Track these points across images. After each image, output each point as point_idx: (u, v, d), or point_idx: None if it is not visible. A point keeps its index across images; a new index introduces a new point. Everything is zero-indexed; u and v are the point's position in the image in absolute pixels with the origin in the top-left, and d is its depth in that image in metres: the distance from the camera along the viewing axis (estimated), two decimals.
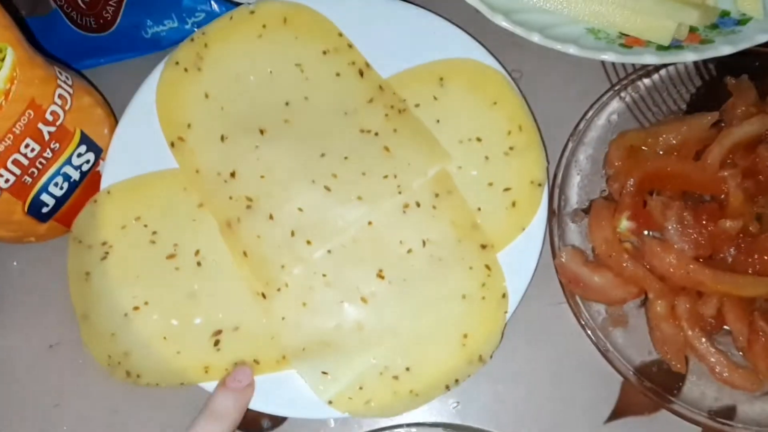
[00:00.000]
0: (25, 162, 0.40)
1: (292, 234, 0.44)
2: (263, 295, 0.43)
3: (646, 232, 0.44)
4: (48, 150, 0.41)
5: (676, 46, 0.45)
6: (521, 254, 0.44)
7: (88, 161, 0.44)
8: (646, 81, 0.48)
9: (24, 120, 0.38)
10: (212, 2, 0.50)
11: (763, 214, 0.44)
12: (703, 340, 0.42)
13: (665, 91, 0.48)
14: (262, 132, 0.46)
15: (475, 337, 0.42)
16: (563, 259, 0.43)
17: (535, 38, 0.45)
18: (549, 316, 0.45)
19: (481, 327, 0.42)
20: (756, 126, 0.43)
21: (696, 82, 0.48)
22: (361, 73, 0.48)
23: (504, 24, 0.45)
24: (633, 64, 0.48)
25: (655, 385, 0.42)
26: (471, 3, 0.46)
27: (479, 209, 0.45)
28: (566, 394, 0.44)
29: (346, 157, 0.46)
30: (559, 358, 0.45)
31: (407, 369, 0.41)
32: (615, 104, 0.47)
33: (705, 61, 0.47)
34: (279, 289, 0.43)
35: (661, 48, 0.45)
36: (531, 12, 0.46)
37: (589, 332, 0.42)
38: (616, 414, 0.44)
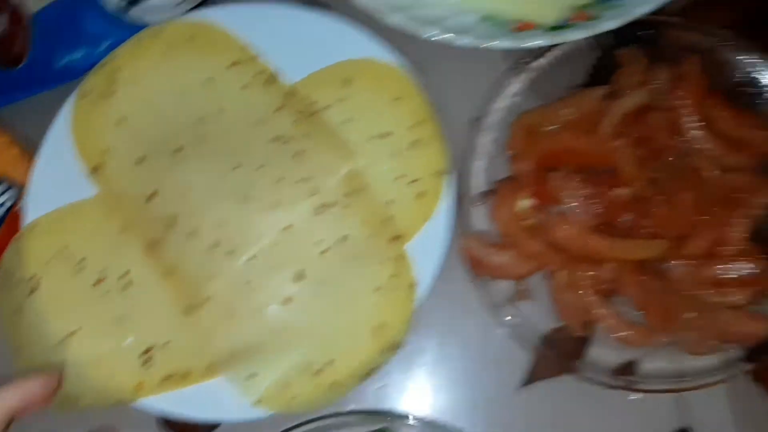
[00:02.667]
0: None
1: (215, 247, 0.46)
2: (190, 309, 0.45)
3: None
4: None
5: (564, 25, 0.46)
6: (430, 242, 0.46)
7: (9, 199, 0.46)
8: (543, 60, 0.49)
9: None
10: (119, 26, 0.51)
11: (657, 178, 0.46)
12: (600, 303, 0.44)
13: (565, 66, 0.49)
14: (179, 150, 0.48)
15: (388, 326, 0.44)
16: (465, 244, 0.45)
17: (428, 33, 0.46)
18: (466, 296, 0.47)
19: (393, 316, 0.45)
20: (641, 96, 0.45)
21: (595, 53, 0.50)
22: (269, 82, 0.49)
23: (398, 22, 0.46)
24: None
25: (561, 351, 0.44)
26: (363, 3, 0.47)
27: (390, 203, 0.47)
28: (481, 365, 0.47)
29: (261, 166, 0.48)
30: (476, 334, 0.47)
31: (328, 363, 0.44)
32: (515, 86, 0.49)
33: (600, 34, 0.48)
34: (205, 301, 0.45)
35: (550, 29, 0.46)
36: (424, 7, 0.47)
37: (493, 309, 0.45)
38: (530, 379, 0.46)
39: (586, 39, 0.47)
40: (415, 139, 0.48)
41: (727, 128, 0.47)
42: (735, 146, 0.46)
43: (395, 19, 0.47)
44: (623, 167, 0.46)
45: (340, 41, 0.49)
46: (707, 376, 0.44)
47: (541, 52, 0.49)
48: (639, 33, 0.47)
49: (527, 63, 0.49)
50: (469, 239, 0.45)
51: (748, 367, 0.44)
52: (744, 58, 0.47)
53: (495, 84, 0.48)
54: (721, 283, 0.45)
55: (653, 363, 0.45)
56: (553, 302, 0.45)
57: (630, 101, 0.45)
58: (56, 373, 0.41)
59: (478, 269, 0.45)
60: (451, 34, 0.46)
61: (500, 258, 0.45)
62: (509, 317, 0.45)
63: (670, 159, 0.47)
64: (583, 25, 0.46)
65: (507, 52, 0.51)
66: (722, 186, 0.46)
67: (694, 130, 0.46)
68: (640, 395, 0.45)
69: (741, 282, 0.44)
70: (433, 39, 0.46)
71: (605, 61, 0.50)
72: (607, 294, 0.45)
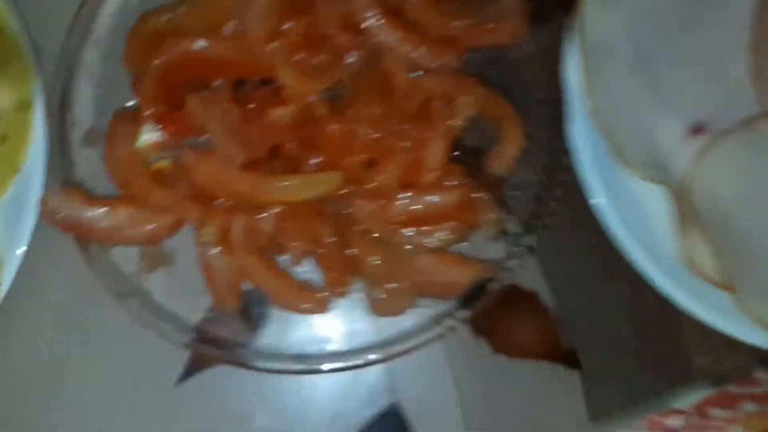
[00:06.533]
0: None
1: None
2: None
3: None
4: None
5: None
6: (20, 203, 0.33)
7: None
8: None
9: None
10: None
11: (337, 91, 0.34)
12: (260, 264, 0.33)
13: None
14: None
15: None
16: (50, 204, 0.32)
17: None
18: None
19: None
20: None
21: None
22: None
23: None
24: None
25: (219, 336, 0.34)
26: None
27: None
28: (133, 362, 0.35)
29: None
30: (113, 323, 0.35)
31: None
32: None
33: None
34: None
35: None
36: None
37: (118, 289, 0.33)
38: (188, 372, 0.35)
39: None
40: None
41: (420, 18, 0.35)
42: (433, 42, 0.35)
43: None
44: (284, 78, 0.34)
45: None
46: (412, 338, 0.35)
47: None
48: None
49: None
50: (54, 195, 0.32)
51: (460, 318, 0.35)
52: None
53: None
54: (416, 220, 0.34)
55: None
56: (202, 270, 0.33)
57: None
58: None
59: (81, 236, 0.32)
60: None
61: (110, 218, 0.32)
62: (140, 299, 0.33)
63: (352, 63, 0.35)
64: None
65: None
66: (418, 94, 0.35)
67: (375, 22, 0.35)
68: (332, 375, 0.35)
69: (440, 216, 0.34)
70: None
71: None
72: (275, 251, 0.34)
